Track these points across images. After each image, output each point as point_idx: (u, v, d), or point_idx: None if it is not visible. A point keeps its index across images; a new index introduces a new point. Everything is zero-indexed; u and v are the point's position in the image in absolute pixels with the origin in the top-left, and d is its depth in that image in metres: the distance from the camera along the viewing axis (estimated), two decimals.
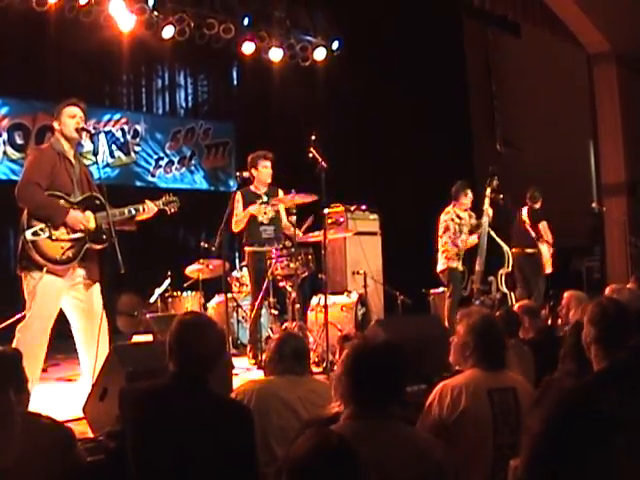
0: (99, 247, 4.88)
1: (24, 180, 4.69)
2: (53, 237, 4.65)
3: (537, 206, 9.45)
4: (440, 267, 7.94)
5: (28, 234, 4.60)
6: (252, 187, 7.01)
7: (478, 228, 7.95)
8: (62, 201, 4.73)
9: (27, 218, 4.64)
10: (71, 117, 4.89)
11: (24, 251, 4.64)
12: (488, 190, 8.03)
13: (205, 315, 4.24)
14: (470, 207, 8.10)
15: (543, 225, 9.35)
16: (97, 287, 4.92)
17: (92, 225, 4.81)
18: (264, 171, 6.92)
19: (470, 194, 8.04)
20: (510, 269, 8.23)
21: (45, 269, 4.62)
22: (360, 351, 2.61)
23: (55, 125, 4.92)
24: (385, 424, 2.51)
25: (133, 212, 5.01)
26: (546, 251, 9.36)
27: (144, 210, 5.06)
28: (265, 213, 6.92)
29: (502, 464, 3.09)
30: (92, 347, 4.77)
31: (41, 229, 4.63)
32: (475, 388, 3.20)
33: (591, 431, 1.62)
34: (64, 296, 4.78)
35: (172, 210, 5.32)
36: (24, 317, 4.68)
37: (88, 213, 4.81)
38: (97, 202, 4.88)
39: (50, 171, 4.71)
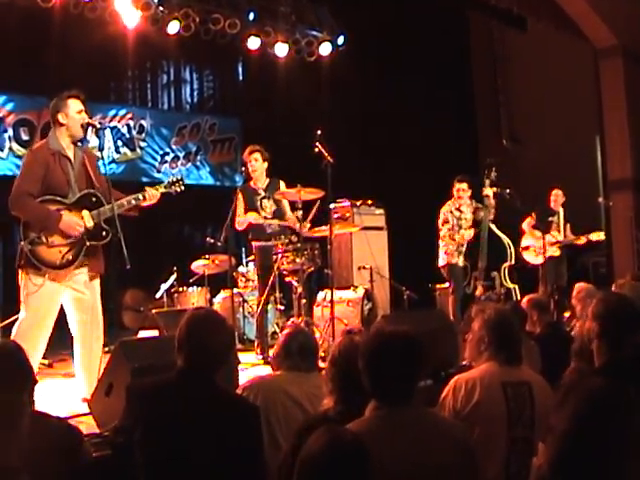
0: (100, 244, 4.82)
1: (16, 191, 4.62)
2: (50, 243, 4.61)
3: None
4: (440, 263, 7.95)
5: (25, 245, 4.58)
6: (251, 183, 7.00)
7: (481, 212, 7.95)
8: (56, 205, 4.65)
9: (23, 229, 4.63)
10: (78, 112, 4.79)
11: (22, 259, 4.61)
12: (487, 182, 8.03)
13: (216, 311, 4.22)
14: (471, 197, 8.09)
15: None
16: (97, 281, 4.88)
17: (89, 224, 4.73)
18: (256, 164, 6.91)
19: (467, 187, 8.04)
20: (513, 262, 8.19)
21: (47, 276, 4.61)
22: (372, 342, 2.59)
23: (60, 118, 4.75)
24: (411, 412, 2.49)
25: (133, 202, 4.89)
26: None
27: (145, 198, 4.94)
28: (266, 208, 6.90)
29: (516, 457, 3.10)
30: (87, 340, 4.75)
31: (38, 237, 4.59)
32: (489, 382, 3.20)
33: (618, 429, 1.61)
34: (65, 290, 4.74)
35: (178, 190, 5.14)
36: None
37: (84, 212, 4.73)
38: (94, 199, 4.79)
39: (43, 175, 4.63)
